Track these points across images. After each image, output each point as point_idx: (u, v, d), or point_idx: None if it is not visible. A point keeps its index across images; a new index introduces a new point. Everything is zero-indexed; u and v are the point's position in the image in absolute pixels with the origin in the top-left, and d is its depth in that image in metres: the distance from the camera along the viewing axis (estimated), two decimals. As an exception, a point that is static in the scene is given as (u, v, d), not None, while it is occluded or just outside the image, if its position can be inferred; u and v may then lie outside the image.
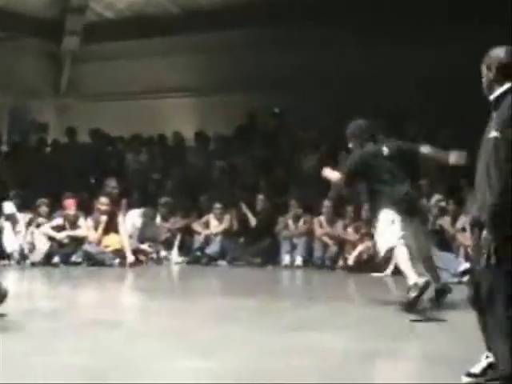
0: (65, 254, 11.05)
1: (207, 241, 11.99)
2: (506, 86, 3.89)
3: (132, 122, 15.37)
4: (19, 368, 4.37)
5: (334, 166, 12.64)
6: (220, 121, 14.91)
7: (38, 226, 11.30)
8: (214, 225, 12.19)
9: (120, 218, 11.41)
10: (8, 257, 10.88)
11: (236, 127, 14.71)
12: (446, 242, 10.49)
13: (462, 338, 5.41)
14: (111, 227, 11.28)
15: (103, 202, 11.36)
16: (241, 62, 15.12)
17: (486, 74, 3.98)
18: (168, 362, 4.62)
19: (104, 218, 11.26)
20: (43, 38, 15.98)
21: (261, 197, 12.23)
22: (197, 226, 12.25)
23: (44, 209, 11.46)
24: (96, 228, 11.27)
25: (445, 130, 12.18)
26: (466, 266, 9.42)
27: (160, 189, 13.24)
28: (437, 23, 13.08)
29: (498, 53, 3.98)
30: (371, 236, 10.80)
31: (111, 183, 12.20)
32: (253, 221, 12.11)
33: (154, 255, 11.83)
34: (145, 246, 11.72)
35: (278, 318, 6.25)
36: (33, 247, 10.95)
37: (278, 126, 14.67)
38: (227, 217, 12.19)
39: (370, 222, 11.17)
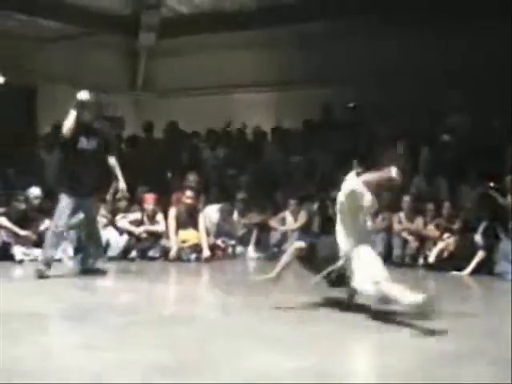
0: (142, 249, 11.24)
1: (284, 237, 11.99)
2: None
3: (207, 117, 15.48)
4: (97, 363, 4.41)
5: (415, 161, 12.65)
6: (296, 115, 14.86)
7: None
8: (289, 221, 12.18)
9: (200, 214, 11.54)
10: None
11: (305, 121, 14.64)
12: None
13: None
14: (191, 222, 11.40)
15: (189, 196, 11.47)
16: (316, 55, 15.07)
17: None
18: (248, 358, 4.61)
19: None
20: (120, 34, 16.21)
21: (336, 193, 12.13)
22: (273, 222, 12.27)
23: (123, 203, 11.63)
24: (178, 220, 11.38)
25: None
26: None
27: (237, 184, 13.28)
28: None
29: None
30: (453, 233, 10.68)
31: (191, 177, 12.34)
32: None
33: (231, 251, 11.91)
34: (219, 242, 11.80)
35: (360, 316, 6.18)
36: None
37: (354, 121, 14.54)
38: (303, 213, 12.16)
39: (451, 218, 11.06)
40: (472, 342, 5.24)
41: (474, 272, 10.04)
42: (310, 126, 14.60)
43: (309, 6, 14.34)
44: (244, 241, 12.11)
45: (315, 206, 12.18)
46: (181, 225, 11.32)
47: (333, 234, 6.49)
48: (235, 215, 12.32)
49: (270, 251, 11.94)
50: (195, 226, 11.38)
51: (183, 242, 11.24)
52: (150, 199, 11.54)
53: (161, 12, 16.02)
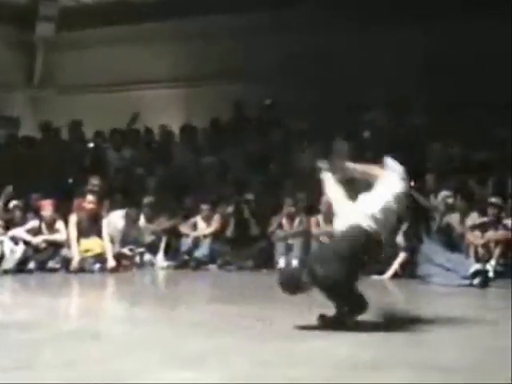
0: (41, 260, 11.03)
1: (195, 243, 11.98)
2: None
3: (112, 115, 15.34)
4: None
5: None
6: (208, 113, 14.87)
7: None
8: (201, 227, 12.17)
9: (103, 220, 11.41)
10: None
11: (212, 120, 14.65)
12: (454, 242, 10.51)
13: (472, 346, 5.41)
14: (93, 229, 11.26)
15: (90, 200, 11.31)
16: (228, 49, 15.13)
17: None
18: (155, 374, 4.59)
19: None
20: (14, 24, 15.92)
21: (251, 196, 12.23)
22: (184, 228, 12.24)
23: (18, 213, 11.44)
24: (79, 227, 11.21)
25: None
26: (476, 267, 9.43)
27: (144, 188, 13.20)
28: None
29: None
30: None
31: (94, 181, 12.20)
32: (254, 227, 12.06)
33: (138, 259, 11.82)
34: (126, 250, 11.71)
35: (274, 327, 6.23)
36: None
37: (270, 119, 14.64)
38: (216, 218, 12.19)
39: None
40: (391, 350, 5.35)
41: (396, 275, 10.24)
42: (218, 124, 14.61)
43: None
44: (152, 248, 12.03)
45: (230, 209, 12.23)
46: (83, 233, 11.18)
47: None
48: (142, 221, 12.24)
49: (181, 259, 11.91)
50: (98, 233, 11.26)
51: (86, 251, 11.10)
52: (47, 206, 11.34)
53: (60, 1, 15.82)
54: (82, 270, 10.92)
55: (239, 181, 12.95)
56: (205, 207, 12.15)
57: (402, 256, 10.33)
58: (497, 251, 10.33)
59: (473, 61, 12.94)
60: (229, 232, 12.17)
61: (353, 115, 13.49)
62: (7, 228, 11.29)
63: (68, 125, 15.08)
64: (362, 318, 6.20)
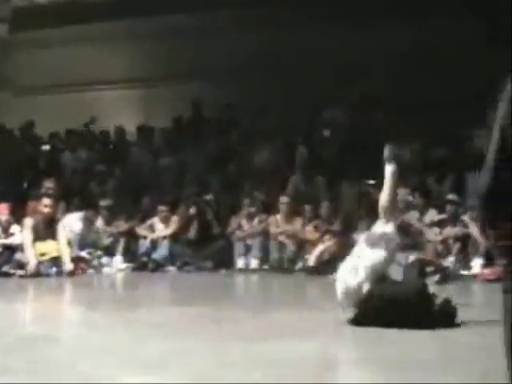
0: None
1: (154, 245, 11.92)
2: None
3: (69, 116, 15.20)
4: None
5: (290, 161, 12.86)
6: (165, 114, 14.81)
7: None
8: (159, 228, 12.11)
9: (59, 223, 11.28)
10: None
11: (175, 119, 14.60)
12: (412, 239, 10.57)
13: (438, 343, 5.45)
14: (49, 233, 11.13)
15: (47, 204, 11.18)
16: (186, 48, 15.08)
17: None
18: (115, 377, 4.55)
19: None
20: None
21: (210, 196, 12.21)
22: (141, 230, 12.16)
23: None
24: (35, 231, 11.09)
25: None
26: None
27: (101, 190, 13.11)
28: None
29: None
30: (333, 234, 10.91)
31: (48, 184, 12.07)
32: (216, 228, 12.05)
33: (96, 262, 11.72)
34: (84, 253, 11.61)
35: (233, 328, 6.21)
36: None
37: (228, 118, 14.63)
38: (174, 219, 12.13)
39: (330, 219, 11.30)
40: (355, 348, 5.36)
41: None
42: (180, 123, 14.56)
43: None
44: (110, 251, 11.95)
45: (192, 210, 12.18)
46: (39, 236, 11.05)
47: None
48: (100, 223, 12.15)
49: (140, 261, 11.84)
50: (55, 237, 11.13)
51: (42, 254, 10.96)
52: (3, 209, 11.25)
53: (13, 1, 15.64)
54: (38, 273, 10.79)
55: (198, 181, 12.91)
56: (162, 208, 12.09)
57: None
58: (455, 248, 10.42)
59: (431, 60, 13.06)
60: (191, 233, 12.11)
61: (313, 114, 13.52)
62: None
63: (20, 126, 14.92)
64: (322, 317, 6.22)
